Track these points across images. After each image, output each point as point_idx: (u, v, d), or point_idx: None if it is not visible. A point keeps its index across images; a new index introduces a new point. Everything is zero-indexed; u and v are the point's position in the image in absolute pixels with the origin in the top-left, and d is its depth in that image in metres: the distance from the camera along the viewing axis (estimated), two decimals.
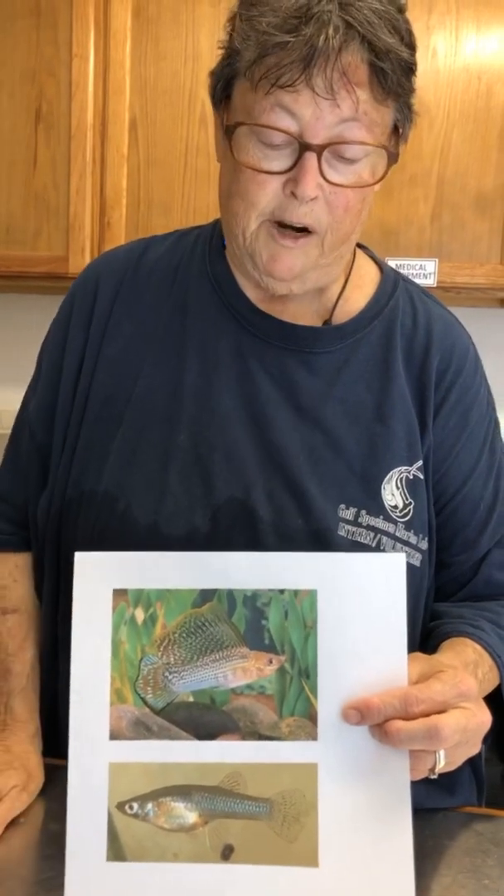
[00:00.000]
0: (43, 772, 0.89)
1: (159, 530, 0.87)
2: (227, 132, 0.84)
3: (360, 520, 0.88)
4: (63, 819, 0.70)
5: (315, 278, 0.89)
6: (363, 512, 0.88)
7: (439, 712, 0.69)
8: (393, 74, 0.78)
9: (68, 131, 2.02)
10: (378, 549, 0.88)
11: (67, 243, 2.04)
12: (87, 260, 2.04)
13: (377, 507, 0.89)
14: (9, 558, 1.02)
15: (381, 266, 1.00)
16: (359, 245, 0.99)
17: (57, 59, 2.01)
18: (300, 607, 0.72)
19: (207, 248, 0.97)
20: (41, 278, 2.10)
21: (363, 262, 0.99)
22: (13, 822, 0.82)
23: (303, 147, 0.79)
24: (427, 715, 0.69)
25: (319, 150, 0.79)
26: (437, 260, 1.96)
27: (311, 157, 0.79)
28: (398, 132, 0.86)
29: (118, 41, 1.99)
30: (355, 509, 0.88)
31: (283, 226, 0.83)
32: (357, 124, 0.79)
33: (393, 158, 0.84)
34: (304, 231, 0.83)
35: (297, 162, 0.79)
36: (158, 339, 0.94)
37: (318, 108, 0.77)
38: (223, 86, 0.86)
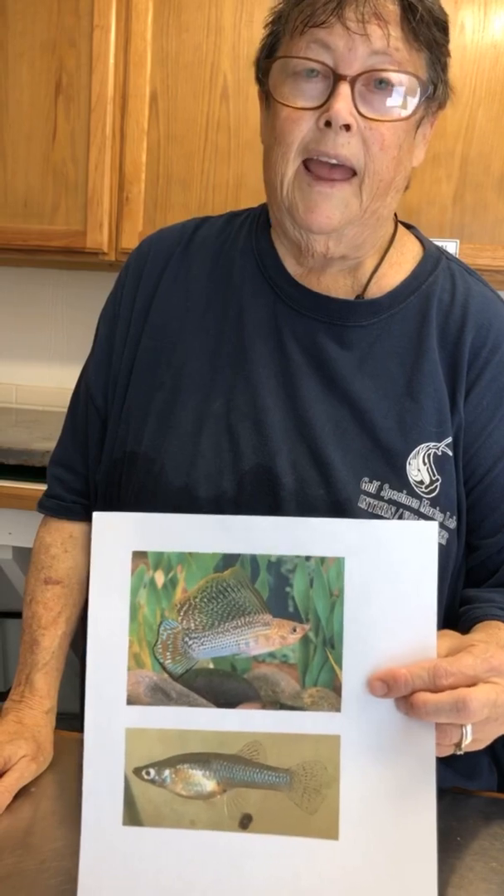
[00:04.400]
0: (52, 746, 0.89)
1: (190, 492, 0.89)
2: (266, 70, 0.87)
3: (382, 493, 0.88)
4: (75, 790, 0.69)
5: (352, 236, 0.88)
6: (386, 486, 0.88)
7: (469, 686, 0.67)
8: (423, 18, 0.81)
9: (88, 104, 2.00)
10: None
11: (85, 218, 2.03)
12: (105, 235, 2.03)
13: (401, 482, 0.88)
14: (65, 527, 1.03)
15: (426, 244, 0.99)
16: (407, 225, 1.00)
17: (78, 30, 1.99)
18: (326, 575, 0.69)
19: (255, 225, 1.00)
20: (58, 252, 2.08)
21: (406, 239, 0.99)
22: (24, 792, 0.82)
23: (336, 78, 0.81)
24: (456, 689, 0.67)
25: (352, 80, 0.81)
26: (458, 241, 1.93)
27: (344, 86, 0.81)
28: (435, 92, 0.86)
29: (140, 12, 1.96)
30: (378, 483, 0.88)
31: (319, 166, 0.83)
32: (388, 59, 0.81)
33: (428, 98, 0.85)
34: (340, 172, 0.83)
35: (331, 93, 0.81)
36: (201, 309, 0.97)
37: (350, 40, 0.81)
38: (267, 53, 0.89)
